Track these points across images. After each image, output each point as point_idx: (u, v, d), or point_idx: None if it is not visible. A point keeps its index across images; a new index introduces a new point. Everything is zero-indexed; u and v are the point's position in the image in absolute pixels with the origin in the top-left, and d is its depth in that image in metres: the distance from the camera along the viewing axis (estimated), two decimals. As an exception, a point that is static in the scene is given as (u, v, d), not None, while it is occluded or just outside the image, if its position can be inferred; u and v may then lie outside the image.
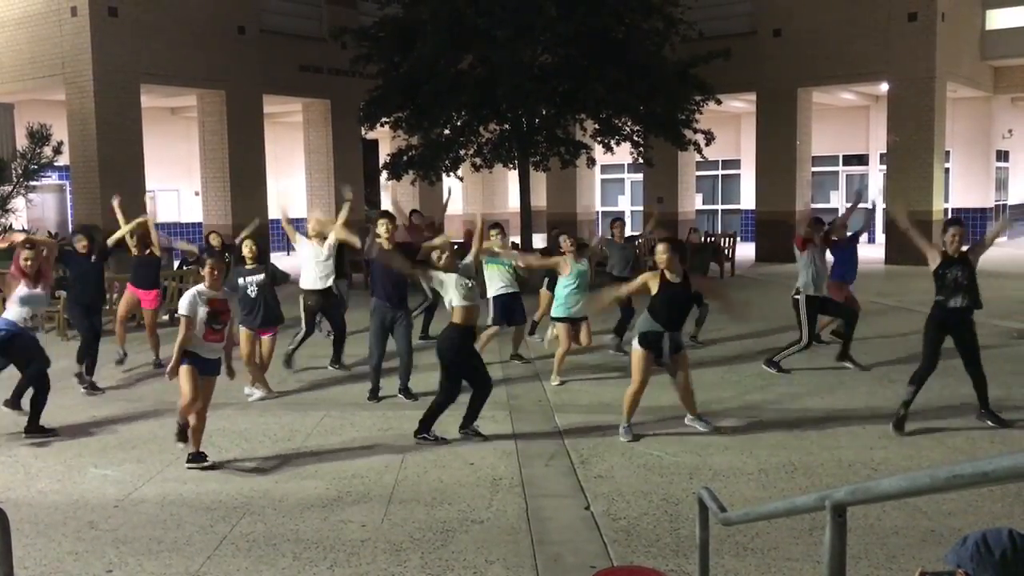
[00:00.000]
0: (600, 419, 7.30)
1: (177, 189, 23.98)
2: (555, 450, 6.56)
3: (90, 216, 16.67)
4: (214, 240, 12.35)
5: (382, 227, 8.05)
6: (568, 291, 8.67)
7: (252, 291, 8.33)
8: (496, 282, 9.32)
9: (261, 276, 8.35)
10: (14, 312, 7.25)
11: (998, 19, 21.70)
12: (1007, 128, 24.15)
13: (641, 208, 24.32)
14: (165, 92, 19.07)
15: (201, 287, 6.38)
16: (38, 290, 7.34)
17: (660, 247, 6.69)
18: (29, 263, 7.31)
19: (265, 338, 8.53)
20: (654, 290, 6.65)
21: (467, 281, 6.77)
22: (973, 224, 23.47)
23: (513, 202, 24.51)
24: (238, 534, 5.04)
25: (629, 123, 16.76)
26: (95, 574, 4.57)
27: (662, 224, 12.38)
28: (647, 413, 7.53)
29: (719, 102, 17.63)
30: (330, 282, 9.15)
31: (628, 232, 12.23)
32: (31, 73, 17.15)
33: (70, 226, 19.51)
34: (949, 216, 22.79)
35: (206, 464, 6.23)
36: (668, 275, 6.63)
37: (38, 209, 19.65)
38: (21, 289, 7.26)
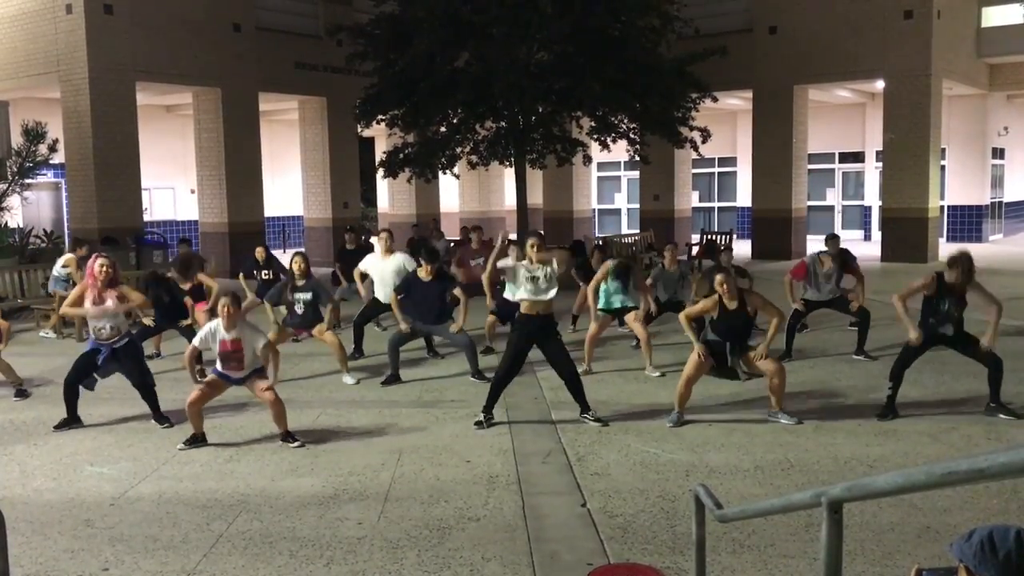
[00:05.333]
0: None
1: (173, 187, 23.95)
2: (552, 447, 6.56)
3: (85, 214, 16.64)
4: (259, 254, 11.84)
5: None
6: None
7: (299, 307, 8.77)
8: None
9: (308, 295, 8.76)
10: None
11: (994, 16, 21.74)
12: (1003, 125, 24.19)
13: (638, 206, 24.32)
14: (160, 89, 19.02)
15: (216, 325, 6.68)
16: (106, 304, 7.25)
17: (717, 277, 7.03)
18: (104, 271, 7.29)
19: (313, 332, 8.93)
20: (714, 315, 7.01)
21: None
22: (968, 221, 23.53)
23: (509, 200, 24.50)
24: (234, 532, 5.04)
25: (625, 121, 16.74)
26: (91, 572, 4.56)
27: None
28: (645, 410, 7.54)
29: (715, 99, 17.63)
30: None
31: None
32: (26, 70, 17.10)
33: (65, 224, 19.48)
34: (943, 214, 22.86)
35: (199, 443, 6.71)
36: (726, 301, 6.96)
37: (33, 207, 19.61)
38: (87, 303, 7.29)
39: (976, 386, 7.73)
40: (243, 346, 6.61)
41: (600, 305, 9.10)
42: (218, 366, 6.76)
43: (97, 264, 7.32)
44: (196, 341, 6.87)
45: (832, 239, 9.94)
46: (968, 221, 23.46)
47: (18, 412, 7.92)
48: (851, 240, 24.27)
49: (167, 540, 4.94)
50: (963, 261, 6.92)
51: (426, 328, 8.98)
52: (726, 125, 25.01)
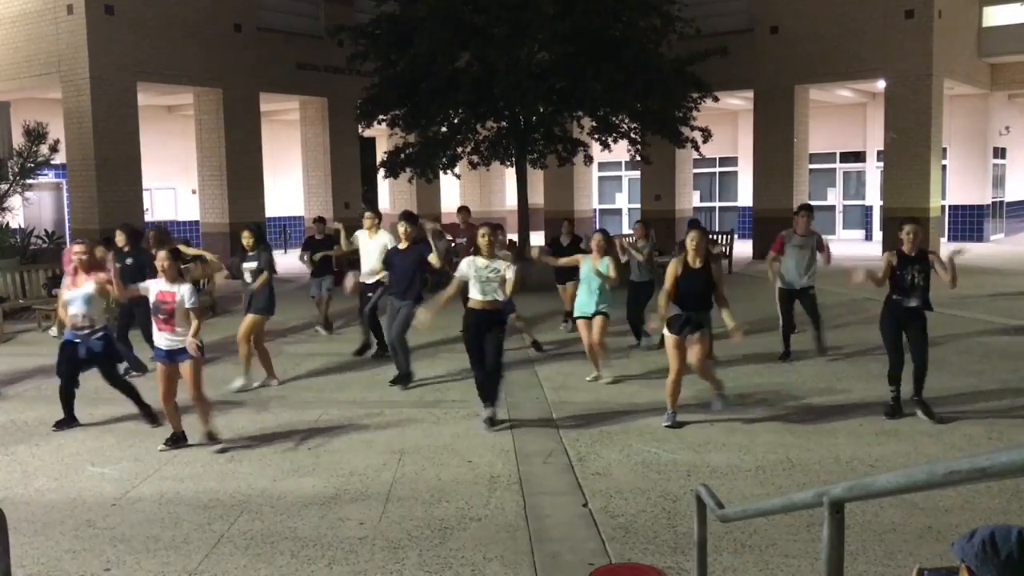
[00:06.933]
0: (597, 416, 7.31)
1: (174, 187, 23.97)
2: (553, 447, 6.56)
3: (86, 214, 16.65)
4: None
5: (401, 228, 8.71)
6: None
7: (248, 277, 8.76)
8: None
9: (254, 264, 8.74)
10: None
11: (995, 16, 21.73)
12: (1004, 125, 24.18)
13: (639, 206, 24.33)
14: (162, 90, 19.03)
15: (158, 279, 6.69)
16: (78, 290, 7.22)
17: (692, 234, 7.06)
18: (84, 258, 7.27)
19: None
20: (677, 273, 6.99)
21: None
22: (969, 221, 23.52)
23: (510, 200, 24.51)
24: (236, 532, 5.04)
25: (626, 121, 16.76)
26: (93, 573, 4.56)
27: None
28: (645, 410, 7.54)
29: (716, 99, 17.63)
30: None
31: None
32: (27, 71, 17.12)
33: (66, 225, 19.49)
34: (945, 213, 22.87)
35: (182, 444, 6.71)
36: (690, 259, 7.00)
37: (35, 208, 19.62)
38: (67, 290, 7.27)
39: (977, 384, 7.74)
40: (174, 299, 6.51)
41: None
42: (154, 338, 6.68)
43: (75, 250, 7.37)
44: (141, 284, 6.86)
45: (805, 209, 9.81)
46: (969, 221, 23.44)
47: (20, 412, 7.92)
48: (852, 240, 24.29)
49: (168, 540, 4.95)
50: (913, 221, 7.11)
51: (397, 305, 8.66)
52: (727, 125, 25.01)
